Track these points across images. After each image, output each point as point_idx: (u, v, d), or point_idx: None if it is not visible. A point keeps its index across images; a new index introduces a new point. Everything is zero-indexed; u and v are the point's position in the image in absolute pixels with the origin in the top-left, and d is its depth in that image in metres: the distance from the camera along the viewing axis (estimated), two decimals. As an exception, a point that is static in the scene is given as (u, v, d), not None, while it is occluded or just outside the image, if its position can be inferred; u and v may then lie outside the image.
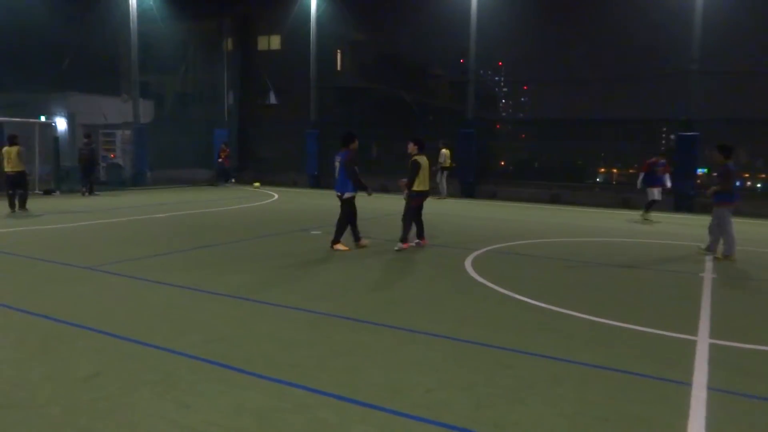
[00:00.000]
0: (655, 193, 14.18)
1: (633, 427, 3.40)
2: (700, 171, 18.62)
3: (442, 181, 19.11)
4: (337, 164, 9.12)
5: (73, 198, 16.64)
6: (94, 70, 23.61)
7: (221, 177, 23.37)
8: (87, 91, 23.44)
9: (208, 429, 3.25)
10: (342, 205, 9.25)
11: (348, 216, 9.20)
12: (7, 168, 12.71)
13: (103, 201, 16.06)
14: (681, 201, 17.24)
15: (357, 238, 9.35)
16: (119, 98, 23.44)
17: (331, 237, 9.20)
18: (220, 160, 23.33)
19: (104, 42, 23.40)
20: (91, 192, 17.55)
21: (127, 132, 21.70)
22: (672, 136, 20.40)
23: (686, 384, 4.05)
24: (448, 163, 19.09)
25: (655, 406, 3.70)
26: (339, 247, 9.04)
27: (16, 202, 12.83)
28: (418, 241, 9.55)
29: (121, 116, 22.26)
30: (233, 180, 23.98)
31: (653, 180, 14.16)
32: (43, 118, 20.26)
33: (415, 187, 9.13)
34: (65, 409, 3.47)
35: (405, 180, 9.29)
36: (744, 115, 19.49)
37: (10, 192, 12.77)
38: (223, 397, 3.66)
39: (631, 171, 22.95)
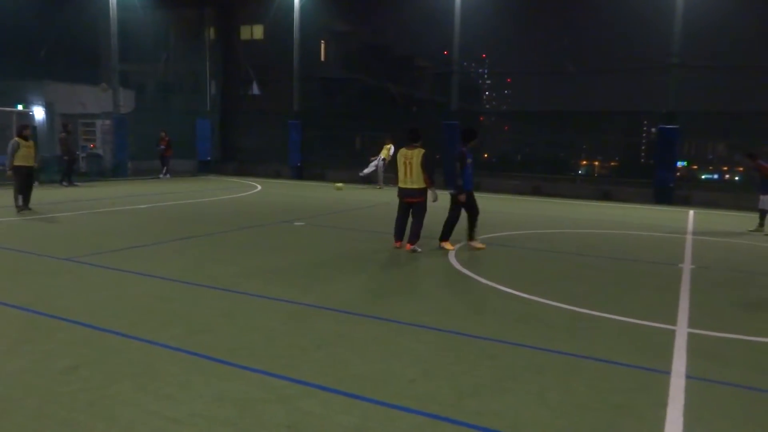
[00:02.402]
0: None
1: (614, 416, 3.45)
2: (680, 164, 18.87)
3: (380, 171, 19.51)
4: (469, 161, 8.39)
5: (52, 189, 16.37)
6: (72, 59, 23.21)
7: (165, 167, 21.47)
8: (65, 80, 23.04)
9: (191, 420, 3.23)
10: (467, 201, 8.44)
11: (473, 210, 8.58)
12: (29, 162, 11.65)
13: (83, 192, 15.82)
14: (661, 193, 17.48)
15: (446, 238, 8.68)
16: (99, 87, 23.04)
17: (437, 236, 8.68)
18: (161, 147, 21.30)
19: (83, 30, 22.99)
20: (70, 183, 17.28)
21: (107, 122, 21.36)
22: (653, 129, 20.64)
23: (665, 372, 4.11)
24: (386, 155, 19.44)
25: (635, 394, 3.76)
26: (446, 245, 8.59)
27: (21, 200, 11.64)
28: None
29: (101, 106, 21.91)
30: (167, 174, 21.40)
31: None
32: (20, 107, 19.88)
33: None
34: (43, 401, 3.42)
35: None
36: (723, 109, 19.75)
37: (20, 188, 11.60)
38: (205, 388, 3.63)
39: (612, 164, 23.22)
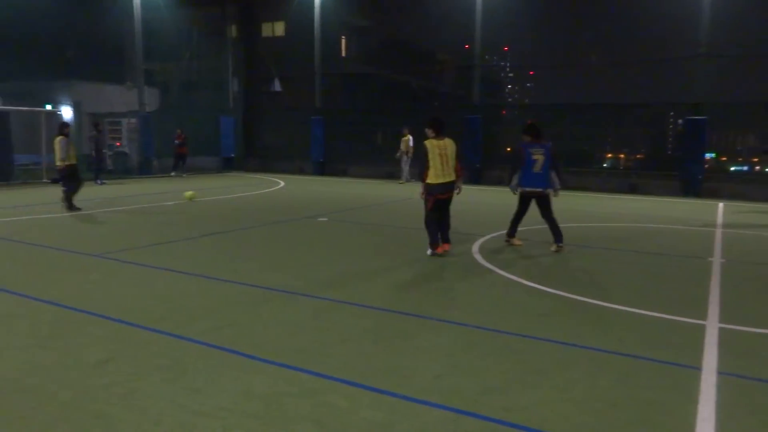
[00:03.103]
0: None
1: (643, 412, 3.40)
2: (708, 155, 18.48)
3: (403, 166, 19.49)
4: (537, 158, 7.98)
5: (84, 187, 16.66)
6: (98, 59, 23.59)
7: (177, 165, 21.35)
8: (92, 80, 23.45)
9: (217, 413, 3.27)
10: (544, 201, 8.18)
11: (549, 211, 8.23)
12: (72, 161, 11.56)
13: (109, 189, 16.10)
14: (689, 186, 17.14)
15: (512, 234, 8.55)
16: (124, 86, 23.41)
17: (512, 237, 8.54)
18: (177, 142, 21.08)
19: (108, 30, 23.33)
20: (100, 181, 17.58)
21: (133, 120, 21.70)
22: (680, 121, 20.23)
23: (696, 368, 4.03)
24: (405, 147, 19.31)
25: (665, 391, 3.69)
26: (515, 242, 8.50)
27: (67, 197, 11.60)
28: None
29: (127, 104, 22.25)
30: (181, 173, 21.17)
31: None
32: (48, 107, 20.29)
33: (429, 179, 7.48)
34: (77, 394, 3.49)
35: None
36: (752, 99, 19.26)
37: (67, 187, 11.57)
38: (231, 382, 3.68)
39: (638, 156, 22.82)
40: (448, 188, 7.54)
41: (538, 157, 8.01)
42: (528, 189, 8.13)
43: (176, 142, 21.20)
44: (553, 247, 8.11)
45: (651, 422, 3.28)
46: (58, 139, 11.46)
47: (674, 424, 3.26)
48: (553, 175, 8.11)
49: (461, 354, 4.25)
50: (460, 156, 7.63)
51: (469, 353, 4.26)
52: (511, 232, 8.50)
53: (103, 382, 3.65)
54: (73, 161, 11.59)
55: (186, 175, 21.19)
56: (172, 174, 21.03)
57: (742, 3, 17.78)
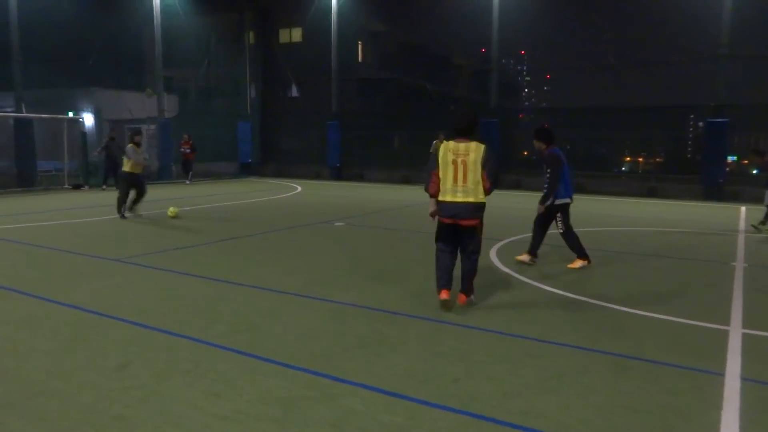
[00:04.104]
0: None
1: (664, 418, 3.35)
2: (729, 158, 18.20)
3: None
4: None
5: (101, 192, 16.93)
6: (119, 66, 23.97)
7: (184, 172, 20.88)
8: (112, 87, 23.81)
9: (236, 417, 3.29)
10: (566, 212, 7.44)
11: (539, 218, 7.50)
12: (137, 169, 11.36)
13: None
14: (710, 189, 16.88)
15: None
16: (144, 93, 23.74)
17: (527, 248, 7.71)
18: (184, 149, 20.64)
19: (129, 38, 23.70)
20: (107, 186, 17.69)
21: (152, 127, 21.99)
22: (700, 123, 19.97)
23: (719, 374, 3.97)
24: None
25: (686, 396, 3.64)
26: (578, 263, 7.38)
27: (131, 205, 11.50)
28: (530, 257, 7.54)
29: (146, 111, 22.56)
30: (185, 180, 20.72)
31: None
32: (70, 114, 20.64)
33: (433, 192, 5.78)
34: (98, 397, 3.54)
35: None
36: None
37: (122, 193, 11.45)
38: (250, 385, 3.70)
39: (657, 159, 22.55)
40: (459, 212, 5.20)
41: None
42: (565, 200, 7.26)
43: (183, 149, 20.66)
44: (527, 258, 7.49)
45: (672, 428, 3.23)
46: (129, 146, 11.42)
47: (698, 430, 3.21)
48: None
49: (479, 358, 4.22)
50: (489, 166, 5.18)
51: (488, 358, 4.24)
52: (535, 250, 7.52)
53: (123, 385, 3.70)
54: (136, 170, 11.29)
55: (189, 182, 20.67)
56: (187, 182, 20.73)
57: (763, 4, 17.50)
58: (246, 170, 24.97)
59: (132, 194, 11.41)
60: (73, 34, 21.40)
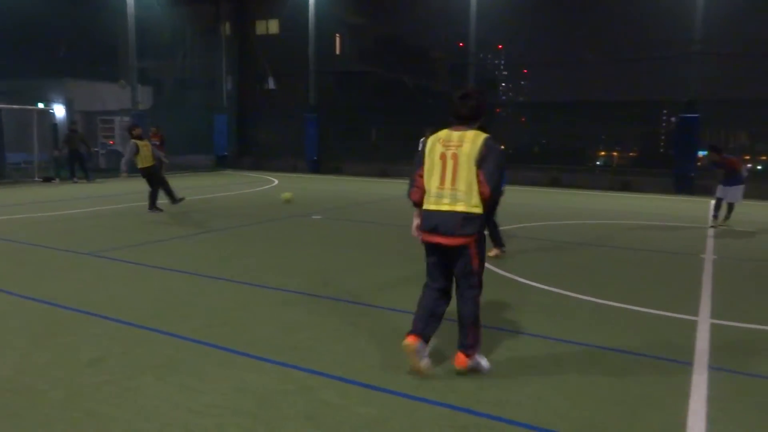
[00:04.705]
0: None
1: (636, 407, 3.42)
2: (700, 153, 18.56)
3: None
4: None
5: (72, 185, 16.62)
6: (91, 56, 23.50)
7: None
8: (84, 78, 23.34)
9: (211, 411, 3.27)
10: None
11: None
12: (149, 162, 11.13)
13: (102, 187, 16.03)
14: (682, 183, 17.22)
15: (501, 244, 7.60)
16: (117, 84, 23.31)
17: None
18: (153, 143, 20.41)
19: (101, 28, 23.24)
20: (87, 178, 17.41)
21: (126, 118, 21.61)
22: (673, 119, 20.32)
23: (688, 364, 4.06)
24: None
25: (657, 386, 3.72)
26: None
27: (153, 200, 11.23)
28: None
29: (120, 103, 22.16)
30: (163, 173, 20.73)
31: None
32: (40, 105, 20.18)
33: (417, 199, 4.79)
34: (69, 393, 3.48)
35: None
36: (745, 97, 19.37)
37: (151, 189, 11.24)
38: (225, 379, 3.68)
39: (631, 154, 22.93)
40: (443, 223, 3.69)
41: None
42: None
43: (152, 142, 20.34)
44: (497, 252, 7.52)
45: (643, 417, 3.31)
46: (131, 142, 11.07)
47: (666, 419, 3.29)
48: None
49: (455, 350, 4.25)
50: (490, 164, 3.64)
51: (463, 350, 4.27)
52: (499, 243, 7.63)
53: (96, 381, 3.65)
54: (147, 164, 11.05)
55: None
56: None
57: (734, 2, 17.86)
58: (222, 163, 24.72)
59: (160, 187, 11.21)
60: (44, 24, 20.93)
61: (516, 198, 14.84)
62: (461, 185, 3.65)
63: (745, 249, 8.64)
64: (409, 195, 3.95)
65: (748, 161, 20.79)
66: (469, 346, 3.83)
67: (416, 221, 3.93)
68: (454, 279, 3.90)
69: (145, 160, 11.04)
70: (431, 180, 3.77)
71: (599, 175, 20.14)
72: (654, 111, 21.39)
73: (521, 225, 10.25)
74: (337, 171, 23.11)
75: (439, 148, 3.76)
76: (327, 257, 7.47)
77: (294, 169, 23.69)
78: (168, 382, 3.64)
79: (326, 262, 7.15)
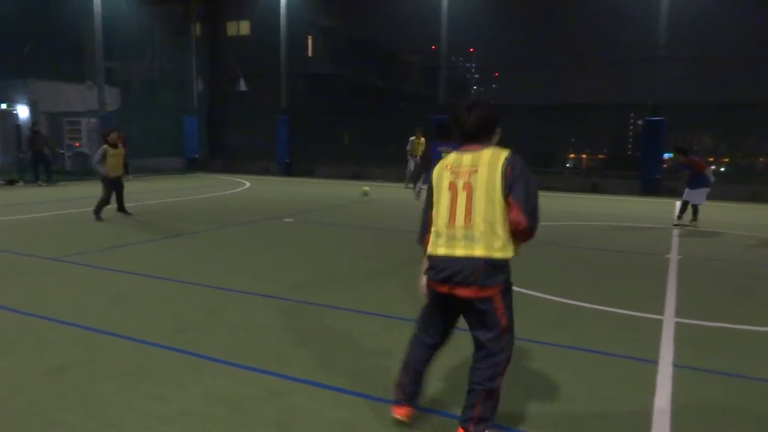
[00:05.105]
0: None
1: (602, 406, 3.48)
2: (666, 155, 19.01)
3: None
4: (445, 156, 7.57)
5: (37, 188, 16.20)
6: (57, 56, 22.92)
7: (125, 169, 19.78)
8: (49, 78, 22.76)
9: (180, 418, 3.22)
10: None
11: None
12: (115, 172, 10.39)
13: (68, 190, 15.67)
14: (648, 185, 17.60)
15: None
16: (84, 85, 22.79)
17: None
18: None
19: (67, 27, 22.69)
20: (48, 181, 16.91)
21: (93, 120, 21.15)
22: (639, 122, 20.76)
23: (653, 362, 4.15)
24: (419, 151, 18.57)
25: (623, 384, 3.79)
26: None
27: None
28: None
29: (86, 104, 21.68)
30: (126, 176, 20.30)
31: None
32: (3, 106, 19.63)
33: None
34: (31, 401, 3.39)
35: None
36: (708, 101, 19.91)
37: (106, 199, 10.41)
38: (194, 386, 3.62)
39: (600, 156, 23.35)
40: (459, 272, 2.87)
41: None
42: None
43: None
44: None
45: (608, 415, 3.37)
46: (102, 147, 10.31)
47: (631, 417, 3.35)
48: None
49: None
50: (521, 189, 2.83)
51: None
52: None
53: (59, 389, 3.56)
54: (114, 173, 10.29)
55: (130, 178, 19.74)
56: (129, 178, 19.72)
57: (698, 8, 18.34)
58: (192, 166, 24.37)
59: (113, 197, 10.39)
60: (6, 21, 20.35)
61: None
62: (478, 223, 2.80)
63: (708, 249, 8.87)
64: (420, 239, 3.14)
65: (711, 163, 21.41)
66: (476, 420, 2.90)
67: (424, 275, 3.05)
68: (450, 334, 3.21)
69: (113, 168, 10.31)
70: (439, 217, 2.96)
71: (569, 177, 20.46)
72: (621, 114, 21.83)
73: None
74: (309, 173, 23.01)
75: (447, 177, 2.95)
76: (298, 260, 7.42)
77: (266, 172, 23.51)
78: (135, 389, 3.57)
79: (297, 266, 7.11)
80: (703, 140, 22.12)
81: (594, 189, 18.64)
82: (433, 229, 3.01)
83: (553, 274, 6.97)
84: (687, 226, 10.82)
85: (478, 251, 2.82)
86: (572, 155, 23.62)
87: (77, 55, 24.61)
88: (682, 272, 7.09)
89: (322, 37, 30.49)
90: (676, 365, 4.08)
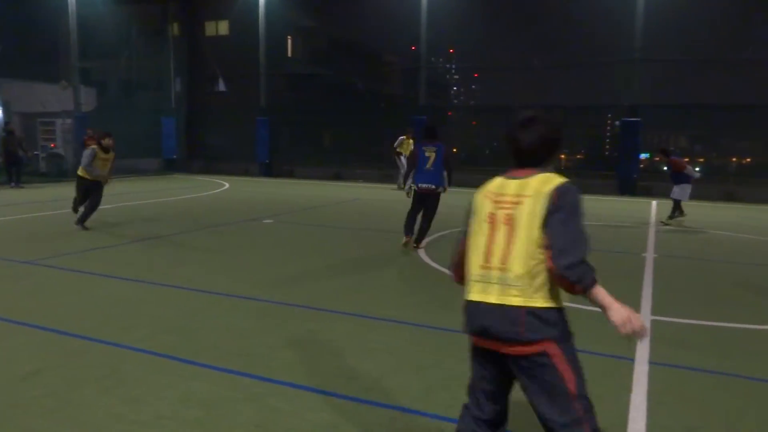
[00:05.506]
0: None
1: (579, 403, 3.51)
2: (642, 156, 19.31)
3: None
4: (429, 155, 7.92)
5: (11, 190, 15.88)
6: (30, 56, 22.49)
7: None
8: (23, 78, 22.32)
9: (157, 422, 3.18)
10: (432, 200, 8.11)
11: (435, 211, 8.16)
12: (84, 174, 9.70)
13: (42, 192, 15.38)
14: (625, 184, 17.84)
15: (411, 231, 8.18)
16: (58, 85, 22.39)
17: (409, 236, 8.13)
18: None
19: (41, 26, 22.29)
20: (17, 182, 16.51)
21: (68, 121, 20.80)
22: (617, 122, 21.07)
23: (629, 359, 4.21)
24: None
25: (601, 381, 3.83)
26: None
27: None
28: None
29: (61, 104, 21.30)
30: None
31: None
32: (-25, 107, 19.20)
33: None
34: (3, 408, 3.32)
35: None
36: (683, 102, 20.28)
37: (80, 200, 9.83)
38: (171, 389, 3.58)
39: (578, 156, 23.64)
40: (495, 323, 2.31)
41: (430, 155, 7.95)
42: (422, 185, 7.98)
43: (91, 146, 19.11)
44: (408, 241, 8.07)
45: (587, 413, 3.40)
46: (91, 148, 9.78)
47: (609, 413, 3.39)
48: (444, 174, 8.05)
49: (407, 353, 4.28)
50: (563, 224, 2.25)
51: (415, 352, 4.30)
52: (409, 232, 8.16)
53: (33, 395, 3.49)
54: (85, 175, 9.61)
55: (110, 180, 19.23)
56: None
57: (674, 11, 18.68)
58: (171, 167, 24.11)
59: (87, 202, 9.64)
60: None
61: (467, 200, 15.07)
62: (515, 265, 2.26)
63: (684, 248, 9.02)
64: (452, 273, 2.69)
65: (687, 163, 21.83)
66: None
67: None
68: (507, 403, 2.57)
69: (89, 170, 9.62)
70: (474, 254, 2.41)
71: (548, 177, 20.63)
72: (599, 115, 22.13)
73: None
74: (289, 174, 22.90)
75: (487, 206, 2.43)
76: (278, 262, 7.38)
77: (245, 173, 23.34)
78: (111, 393, 3.51)
79: (277, 267, 7.07)
80: (679, 141, 22.52)
81: (572, 189, 18.84)
82: (467, 266, 2.45)
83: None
84: (666, 224, 11.09)
85: (515, 299, 2.25)
86: (551, 156, 23.87)
87: (51, 54, 24.18)
88: (658, 271, 7.20)
89: (302, 37, 30.37)
90: (652, 362, 4.14)
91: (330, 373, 3.88)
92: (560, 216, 2.22)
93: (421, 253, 7.96)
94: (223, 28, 28.49)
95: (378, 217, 11.81)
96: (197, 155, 25.36)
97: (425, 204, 8.10)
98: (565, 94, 23.37)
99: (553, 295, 2.31)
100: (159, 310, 5.21)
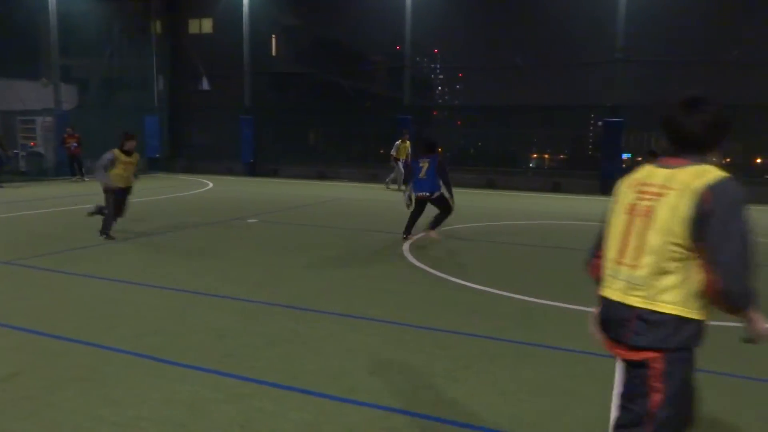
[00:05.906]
0: None
1: (563, 401, 3.55)
2: (624, 156, 19.52)
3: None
4: (422, 165, 8.51)
5: (-11, 189, 15.61)
6: (9, 53, 22.12)
7: (71, 168, 18.66)
8: (2, 75, 21.95)
9: (138, 423, 3.14)
10: (435, 203, 8.61)
11: (445, 207, 8.64)
12: (123, 183, 8.75)
13: (22, 192, 15.14)
14: (607, 184, 18.02)
15: (409, 232, 8.79)
16: (38, 83, 22.05)
17: (407, 236, 8.72)
18: (71, 145, 18.45)
19: (21, 22, 21.93)
20: None
21: (48, 119, 20.49)
22: (599, 123, 21.27)
23: (611, 356, 4.23)
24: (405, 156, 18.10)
25: (582, 379, 3.87)
26: (433, 234, 8.62)
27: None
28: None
29: (41, 102, 20.98)
30: (83, 176, 18.37)
31: None
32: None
33: None
34: (-19, 411, 3.26)
35: None
36: (665, 101, 20.50)
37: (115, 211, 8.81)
38: (153, 390, 3.54)
39: (561, 156, 23.84)
40: (614, 321, 2.18)
41: (423, 165, 8.51)
42: (418, 193, 8.60)
43: (69, 144, 18.47)
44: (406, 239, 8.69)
45: (569, 409, 3.43)
46: (112, 151, 8.67)
47: (591, 409, 3.42)
48: (440, 182, 8.52)
49: (391, 352, 4.28)
50: (724, 233, 1.88)
51: (399, 351, 4.30)
52: (407, 233, 8.79)
53: (11, 397, 3.43)
54: (121, 184, 8.69)
55: (87, 179, 18.24)
56: (74, 179, 18.53)
57: (655, 11, 18.90)
58: (153, 166, 23.85)
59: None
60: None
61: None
62: (646, 261, 2.02)
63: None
64: (587, 263, 2.49)
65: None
66: None
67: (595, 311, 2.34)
68: None
69: (121, 179, 8.65)
70: (610, 246, 2.24)
71: (532, 177, 20.78)
72: (582, 115, 22.29)
73: (455, 226, 10.43)
74: (273, 173, 22.79)
75: (630, 196, 2.18)
76: (262, 261, 7.34)
77: (229, 172, 23.19)
78: (91, 395, 3.47)
79: (261, 267, 7.03)
80: (661, 141, 22.79)
81: (556, 188, 18.98)
82: (603, 259, 2.28)
83: (516, 273, 7.07)
84: None
85: (635, 299, 2.04)
86: (535, 155, 24.03)
87: (31, 51, 23.80)
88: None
89: (286, 36, 30.22)
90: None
91: (314, 373, 3.87)
92: (717, 223, 1.88)
93: (405, 252, 7.97)
94: (206, 26, 28.26)
95: (362, 216, 11.81)
96: (181, 154, 25.14)
97: (425, 207, 8.70)
98: (549, 94, 23.52)
99: (688, 302, 1.98)
100: (141, 311, 5.15)
